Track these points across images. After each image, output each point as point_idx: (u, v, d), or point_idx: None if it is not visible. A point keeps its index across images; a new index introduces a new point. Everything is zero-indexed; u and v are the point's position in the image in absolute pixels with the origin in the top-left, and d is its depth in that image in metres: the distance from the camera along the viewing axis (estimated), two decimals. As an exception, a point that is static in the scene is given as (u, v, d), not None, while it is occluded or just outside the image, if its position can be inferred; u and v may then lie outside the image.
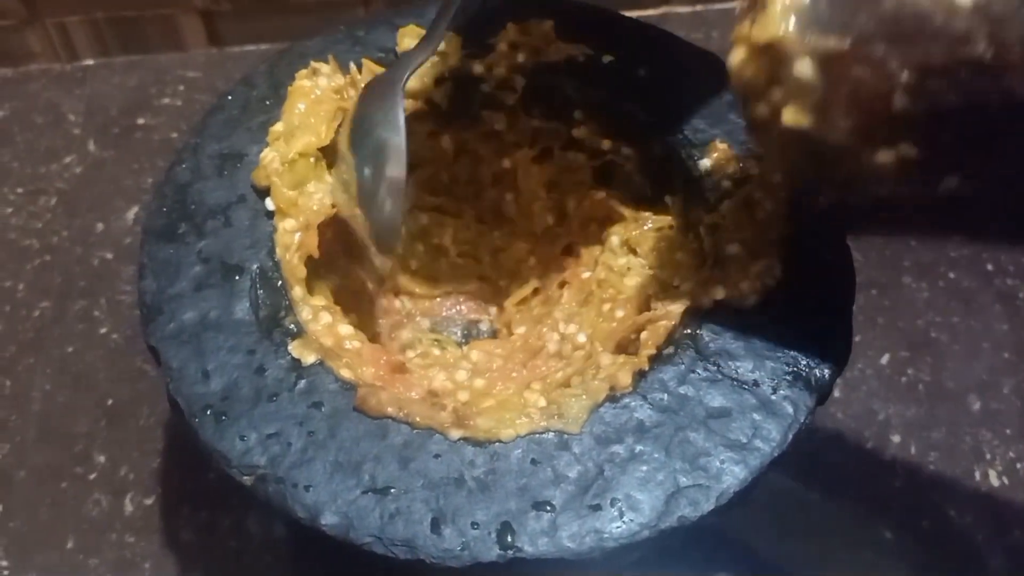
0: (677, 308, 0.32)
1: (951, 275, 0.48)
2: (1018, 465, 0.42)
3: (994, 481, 0.41)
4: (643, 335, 0.32)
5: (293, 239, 0.34)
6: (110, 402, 0.44)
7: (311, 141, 0.35)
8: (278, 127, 0.36)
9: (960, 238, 0.49)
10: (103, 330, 0.46)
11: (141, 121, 0.54)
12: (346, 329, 0.33)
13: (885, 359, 0.45)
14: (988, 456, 0.42)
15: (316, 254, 0.34)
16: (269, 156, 0.35)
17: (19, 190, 0.51)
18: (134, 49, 0.57)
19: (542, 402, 0.31)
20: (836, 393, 0.37)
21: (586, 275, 0.38)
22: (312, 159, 0.35)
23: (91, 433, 0.43)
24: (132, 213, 0.50)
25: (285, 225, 0.34)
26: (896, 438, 0.42)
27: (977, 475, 0.42)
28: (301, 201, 0.35)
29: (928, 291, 0.47)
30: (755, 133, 0.29)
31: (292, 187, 0.35)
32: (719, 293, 0.32)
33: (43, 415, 0.43)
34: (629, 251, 0.37)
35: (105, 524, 0.40)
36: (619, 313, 0.36)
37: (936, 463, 0.42)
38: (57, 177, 0.52)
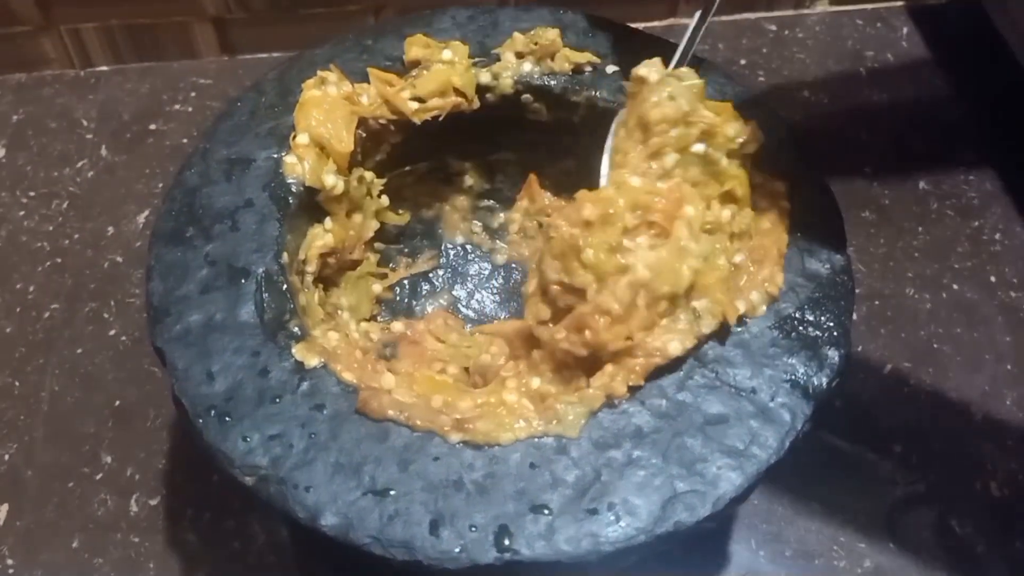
0: (677, 347, 0.31)
1: (954, 287, 0.48)
2: (1019, 476, 0.42)
3: (995, 492, 0.41)
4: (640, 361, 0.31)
5: (318, 248, 0.36)
6: (118, 403, 0.44)
7: (341, 150, 0.36)
8: (302, 139, 0.36)
9: (963, 248, 0.49)
10: (112, 332, 0.46)
11: (153, 127, 0.55)
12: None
13: (887, 369, 0.45)
14: (989, 467, 0.42)
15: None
16: (331, 181, 0.36)
17: (32, 193, 0.52)
18: (147, 56, 0.57)
19: (526, 401, 0.31)
20: (838, 403, 0.37)
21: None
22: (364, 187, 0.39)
23: (98, 434, 0.43)
24: (143, 217, 0.51)
25: (325, 240, 0.36)
26: (898, 448, 0.43)
27: (978, 486, 0.42)
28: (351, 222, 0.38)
29: (931, 302, 0.47)
30: None
31: (351, 207, 0.38)
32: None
33: (51, 415, 0.44)
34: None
35: (111, 524, 0.41)
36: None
37: (938, 474, 0.42)
38: (69, 181, 0.52)
